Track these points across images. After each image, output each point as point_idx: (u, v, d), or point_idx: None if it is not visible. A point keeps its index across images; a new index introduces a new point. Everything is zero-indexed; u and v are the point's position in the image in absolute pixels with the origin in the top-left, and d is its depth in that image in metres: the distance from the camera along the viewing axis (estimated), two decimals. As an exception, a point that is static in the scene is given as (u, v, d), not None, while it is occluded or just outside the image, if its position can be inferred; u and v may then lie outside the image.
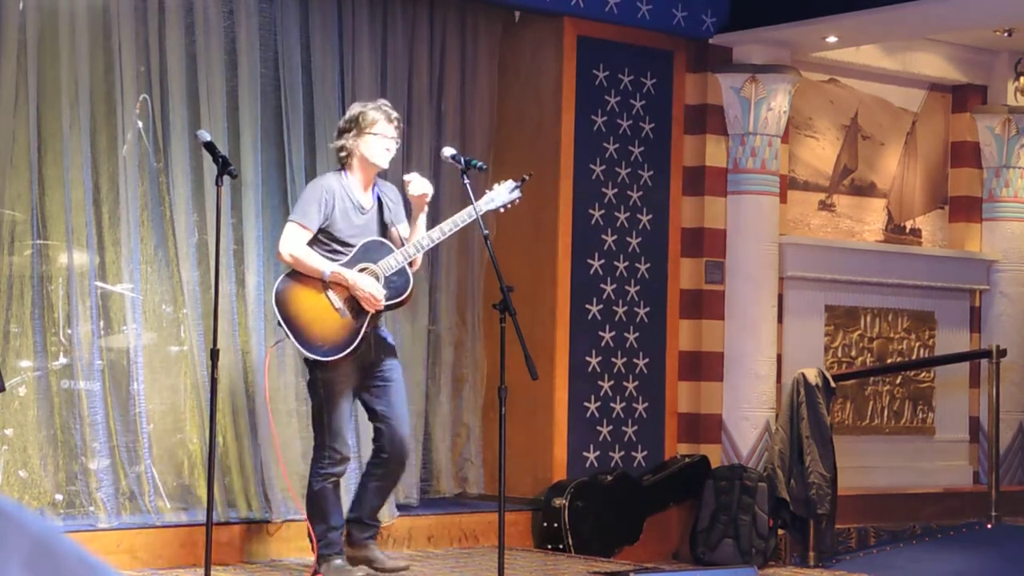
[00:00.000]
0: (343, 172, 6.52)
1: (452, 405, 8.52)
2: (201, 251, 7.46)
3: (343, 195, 6.44)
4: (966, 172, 10.51)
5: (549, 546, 8.12)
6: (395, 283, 6.41)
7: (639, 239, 8.83)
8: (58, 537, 1.30)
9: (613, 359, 8.70)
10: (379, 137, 6.45)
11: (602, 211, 8.69)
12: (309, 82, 7.85)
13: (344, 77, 7.96)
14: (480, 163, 6.44)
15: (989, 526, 9.16)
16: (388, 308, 6.49)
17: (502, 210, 6.63)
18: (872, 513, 9.43)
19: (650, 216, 8.88)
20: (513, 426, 7.61)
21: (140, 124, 7.38)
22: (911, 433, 10.21)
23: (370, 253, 6.43)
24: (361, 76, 8.00)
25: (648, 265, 8.87)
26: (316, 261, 6.34)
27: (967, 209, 10.49)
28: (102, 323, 7.25)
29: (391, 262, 6.39)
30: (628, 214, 8.79)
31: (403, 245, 6.47)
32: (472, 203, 6.37)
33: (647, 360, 8.85)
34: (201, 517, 6.67)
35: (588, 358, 8.61)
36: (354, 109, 6.56)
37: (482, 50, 8.66)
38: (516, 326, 5.97)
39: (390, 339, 6.68)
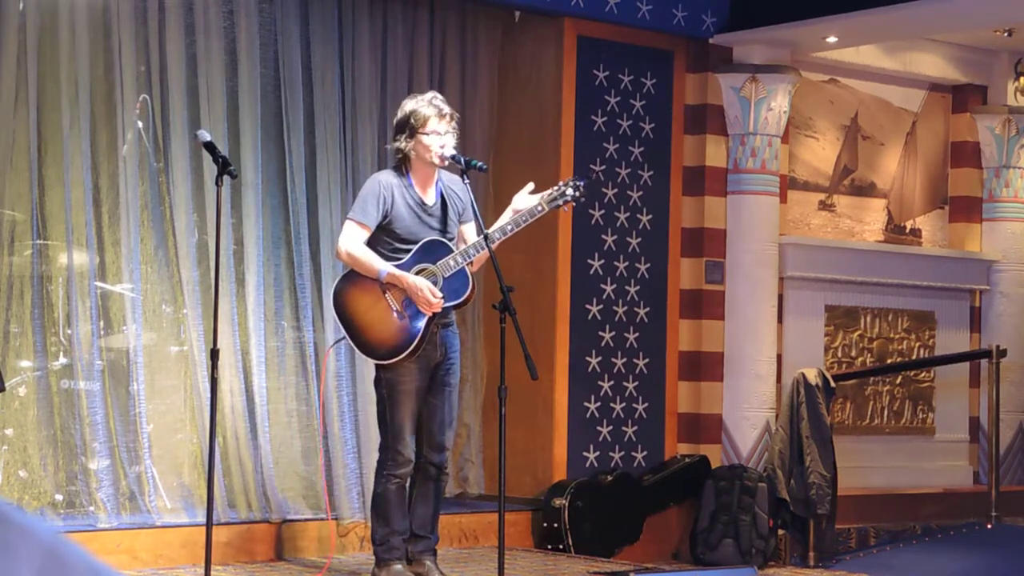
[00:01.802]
0: (402, 169, 6.33)
1: (452, 405, 8.52)
2: (201, 251, 7.46)
3: (402, 191, 6.26)
4: (966, 172, 10.51)
5: (549, 546, 8.12)
6: (455, 284, 6.24)
7: (639, 239, 8.84)
8: (68, 545, 1.30)
9: (613, 359, 8.70)
10: (433, 136, 6.23)
11: (602, 211, 8.69)
12: (309, 82, 7.84)
13: (344, 77, 7.95)
14: (480, 163, 6.33)
15: (989, 526, 9.16)
16: (447, 309, 6.29)
17: (565, 208, 6.49)
18: (872, 513, 9.43)
19: (650, 216, 8.88)
20: (513, 426, 7.61)
21: (140, 124, 7.38)
22: (911, 433, 10.21)
23: (429, 253, 6.25)
24: (361, 76, 8.00)
25: (648, 265, 8.87)
26: (373, 261, 6.17)
27: (967, 209, 10.49)
28: (102, 323, 7.25)
29: (450, 263, 6.21)
30: (628, 214, 8.79)
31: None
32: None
33: (647, 360, 8.85)
34: (201, 517, 6.67)
35: (588, 358, 8.61)
36: (406, 106, 6.29)
37: (482, 50, 8.66)
38: (516, 326, 5.94)
39: (457, 341, 6.48)
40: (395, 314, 6.20)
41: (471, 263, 6.30)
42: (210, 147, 6.28)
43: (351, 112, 7.92)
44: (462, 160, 6.29)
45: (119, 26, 7.27)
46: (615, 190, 8.74)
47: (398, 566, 6.40)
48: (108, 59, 7.29)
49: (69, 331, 7.14)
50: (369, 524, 6.55)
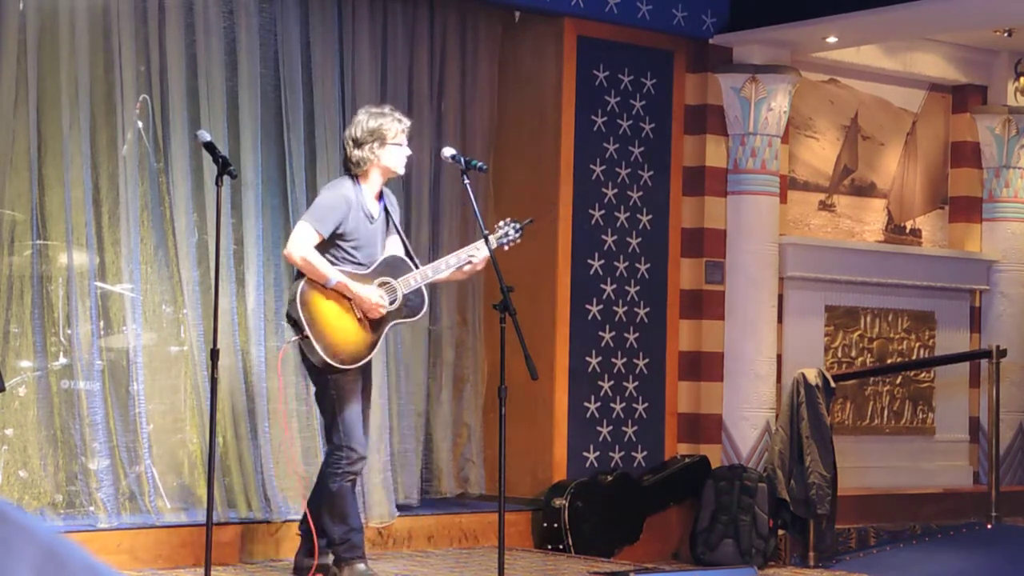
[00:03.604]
0: (356, 180, 6.48)
1: (453, 405, 8.52)
2: (201, 251, 7.46)
3: (357, 205, 6.43)
4: (966, 172, 10.51)
5: (549, 546, 8.13)
6: (412, 302, 6.48)
7: (639, 239, 8.84)
8: (66, 545, 1.30)
9: (613, 359, 8.70)
10: (400, 147, 6.49)
11: (602, 211, 8.69)
12: (309, 82, 7.84)
13: (344, 77, 7.96)
14: (480, 163, 6.44)
15: (989, 526, 9.16)
16: (399, 323, 6.58)
17: (507, 248, 6.63)
18: (872, 513, 9.43)
19: (650, 216, 8.88)
20: (513, 426, 7.60)
21: (140, 124, 7.38)
22: (911, 433, 10.21)
23: (392, 268, 6.46)
24: (361, 76, 8.00)
25: (648, 265, 8.87)
26: (324, 268, 6.31)
27: (967, 209, 10.49)
28: (102, 323, 7.24)
29: (410, 281, 6.45)
30: (628, 214, 8.79)
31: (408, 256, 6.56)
32: (484, 235, 6.44)
33: (647, 360, 8.85)
34: (201, 517, 6.67)
35: (588, 358, 8.61)
36: (371, 120, 6.46)
37: (482, 50, 8.66)
38: (516, 326, 5.97)
39: None
40: (359, 322, 6.37)
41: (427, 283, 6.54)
42: (210, 147, 6.29)
43: (351, 112, 7.91)
44: (462, 160, 6.36)
45: (119, 26, 7.27)
46: (615, 190, 8.74)
47: (361, 565, 6.49)
48: (108, 59, 7.29)
49: (69, 331, 7.14)
50: (326, 526, 6.55)
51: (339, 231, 6.37)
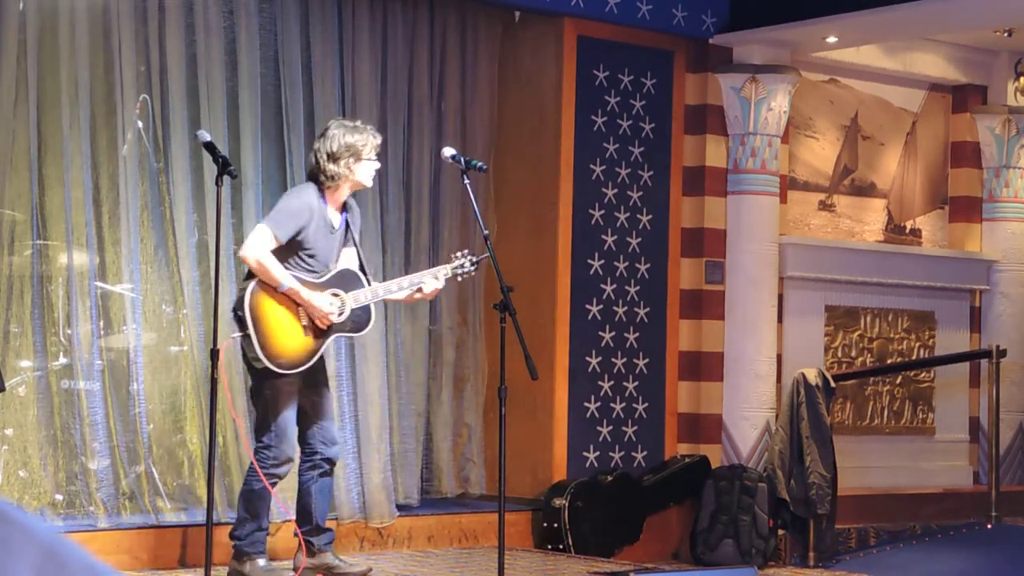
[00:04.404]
0: (321, 190, 6.48)
1: (453, 405, 8.52)
2: (201, 251, 7.46)
3: (320, 214, 6.44)
4: (966, 172, 10.51)
5: (549, 546, 8.13)
6: (358, 317, 6.51)
7: (639, 239, 8.84)
8: (66, 545, 1.30)
9: (613, 359, 8.70)
10: (372, 162, 6.52)
11: (602, 211, 8.69)
12: (309, 82, 7.85)
13: (344, 77, 7.96)
14: (480, 164, 6.46)
15: (989, 526, 9.16)
16: (342, 336, 6.68)
17: (460, 279, 6.71)
18: (872, 513, 9.43)
19: (650, 216, 8.88)
20: (513, 426, 7.61)
21: (140, 124, 7.38)
22: (911, 433, 10.21)
23: (344, 281, 6.49)
24: (361, 76, 8.00)
25: (648, 265, 8.88)
26: (278, 272, 6.31)
27: (967, 209, 10.50)
28: (102, 323, 7.25)
29: (360, 297, 6.48)
30: (628, 214, 8.80)
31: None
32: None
33: (647, 360, 8.85)
34: (201, 517, 6.67)
35: (588, 358, 8.61)
36: (348, 135, 6.46)
37: (482, 50, 8.66)
38: (516, 326, 5.98)
39: None
40: (303, 328, 6.39)
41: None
42: (210, 147, 6.29)
43: (351, 112, 7.92)
44: (462, 160, 6.38)
45: (119, 26, 7.28)
46: (615, 190, 8.74)
47: (261, 561, 6.56)
48: (108, 59, 7.29)
49: (69, 331, 7.14)
50: (238, 518, 6.59)
51: (298, 238, 6.37)
